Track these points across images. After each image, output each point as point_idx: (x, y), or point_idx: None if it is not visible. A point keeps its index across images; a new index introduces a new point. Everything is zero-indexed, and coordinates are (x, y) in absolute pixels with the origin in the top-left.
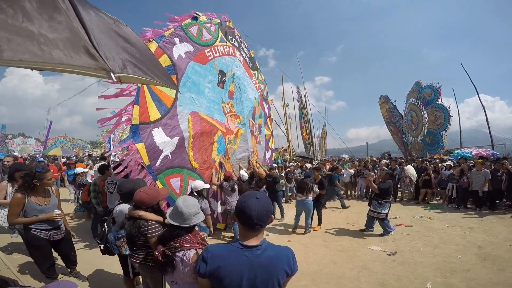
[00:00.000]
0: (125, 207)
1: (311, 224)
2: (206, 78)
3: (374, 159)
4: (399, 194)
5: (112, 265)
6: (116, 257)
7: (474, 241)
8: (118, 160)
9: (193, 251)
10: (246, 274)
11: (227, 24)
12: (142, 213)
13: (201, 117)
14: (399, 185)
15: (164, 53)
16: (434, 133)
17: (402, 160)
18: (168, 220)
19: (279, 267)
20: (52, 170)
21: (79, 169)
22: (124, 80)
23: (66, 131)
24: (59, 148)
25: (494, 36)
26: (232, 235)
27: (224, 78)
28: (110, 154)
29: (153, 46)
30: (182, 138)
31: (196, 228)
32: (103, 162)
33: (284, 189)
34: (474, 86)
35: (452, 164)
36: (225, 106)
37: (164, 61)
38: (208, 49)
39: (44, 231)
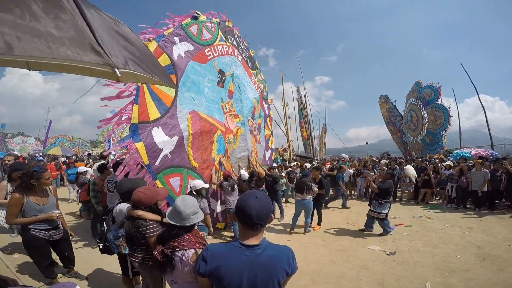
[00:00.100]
0: (124, 206)
1: (311, 223)
2: (205, 77)
3: (374, 159)
4: (398, 194)
5: (112, 264)
6: (115, 256)
7: (473, 241)
8: (117, 158)
9: (192, 250)
10: (246, 274)
11: (226, 23)
12: (141, 212)
13: (201, 116)
14: (398, 185)
15: (163, 52)
16: (433, 133)
17: (402, 160)
18: (167, 220)
19: (279, 267)
20: (49, 170)
21: (81, 168)
22: (124, 79)
23: (65, 130)
24: (58, 147)
25: (494, 36)
26: (232, 234)
27: (223, 78)
28: (110, 153)
29: (152, 45)
30: (182, 137)
31: (196, 227)
32: (102, 161)
33: (284, 188)
34: (474, 86)
35: (451, 164)
36: (225, 106)
37: (163, 60)
38: (208, 49)
39: (43, 231)
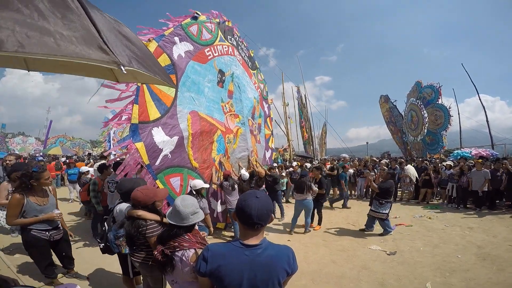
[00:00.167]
0: (124, 206)
1: (311, 223)
2: (205, 77)
3: (374, 158)
4: (399, 193)
5: (112, 264)
6: (116, 256)
7: (473, 241)
8: (116, 158)
9: (192, 250)
10: (247, 273)
11: (226, 23)
12: (140, 212)
13: (201, 116)
14: (399, 185)
15: (163, 52)
16: (434, 133)
17: (402, 160)
18: (167, 219)
19: (279, 266)
20: (48, 170)
21: (84, 168)
22: (124, 80)
23: (66, 130)
24: (59, 147)
25: (494, 36)
26: (232, 234)
27: (223, 78)
28: (110, 153)
29: (152, 45)
30: (182, 137)
31: (196, 227)
32: (103, 161)
33: (285, 188)
34: (474, 86)
35: (452, 164)
36: (225, 106)
37: (163, 60)
38: (208, 49)
39: (44, 232)
